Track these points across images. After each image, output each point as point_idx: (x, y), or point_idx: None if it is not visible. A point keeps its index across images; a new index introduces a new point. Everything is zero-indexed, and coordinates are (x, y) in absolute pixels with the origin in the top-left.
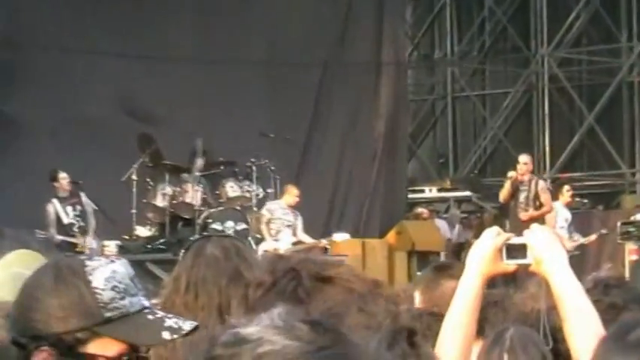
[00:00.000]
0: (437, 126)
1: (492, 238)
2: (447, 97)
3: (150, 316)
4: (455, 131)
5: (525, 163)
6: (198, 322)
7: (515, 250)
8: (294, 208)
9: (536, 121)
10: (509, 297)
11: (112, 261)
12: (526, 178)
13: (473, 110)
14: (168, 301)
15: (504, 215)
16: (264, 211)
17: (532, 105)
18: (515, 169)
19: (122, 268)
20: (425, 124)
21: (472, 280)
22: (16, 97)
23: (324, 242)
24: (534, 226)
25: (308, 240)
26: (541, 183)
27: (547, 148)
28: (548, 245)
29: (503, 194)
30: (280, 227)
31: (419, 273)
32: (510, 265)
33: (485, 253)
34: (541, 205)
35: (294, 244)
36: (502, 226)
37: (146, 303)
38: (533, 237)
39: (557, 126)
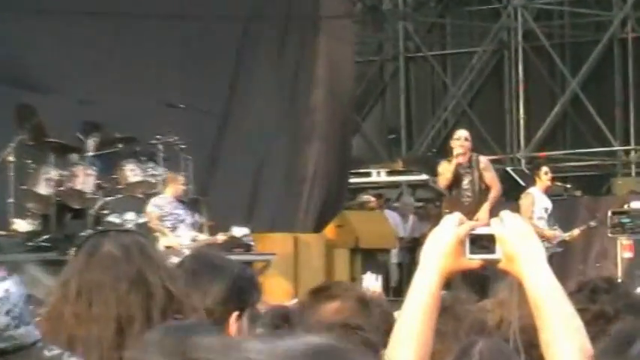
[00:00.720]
0: (386, 94)
1: (453, 227)
2: (398, 59)
3: (46, 352)
4: (408, 100)
5: (467, 139)
6: (93, 337)
7: (481, 243)
8: (190, 201)
9: (508, 88)
10: (461, 302)
11: (4, 278)
12: (466, 158)
13: (431, 74)
14: (54, 311)
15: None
16: (150, 208)
17: (503, 68)
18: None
19: (15, 287)
20: (371, 92)
21: (428, 278)
22: None
23: (221, 238)
24: (505, 213)
25: (202, 237)
26: (482, 159)
27: (521, 121)
28: (522, 238)
29: (443, 181)
30: (175, 223)
31: (364, 276)
32: (474, 260)
33: (443, 246)
34: (487, 189)
35: (194, 240)
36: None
37: (38, 333)
38: (504, 227)
39: (534, 93)
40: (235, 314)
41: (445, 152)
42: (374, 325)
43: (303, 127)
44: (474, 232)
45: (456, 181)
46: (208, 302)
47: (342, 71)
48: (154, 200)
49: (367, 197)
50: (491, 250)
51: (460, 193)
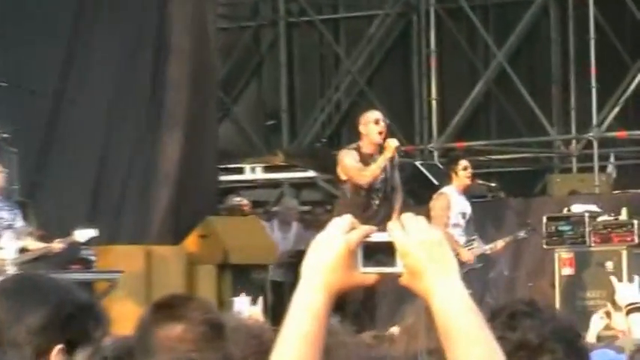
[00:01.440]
0: (263, 69)
1: (342, 233)
2: (277, 24)
3: None
4: (291, 77)
5: (386, 123)
6: None
7: (378, 253)
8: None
9: (416, 62)
10: (333, 332)
11: None
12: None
13: (319, 44)
14: None
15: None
16: None
17: (410, 36)
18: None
19: None
20: (244, 67)
21: (311, 298)
22: None
23: (58, 245)
24: (408, 216)
25: (34, 245)
26: (343, 152)
27: (434, 104)
28: (429, 247)
29: (365, 175)
30: None
31: (236, 298)
32: (369, 275)
33: (330, 257)
34: (393, 192)
35: (23, 251)
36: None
37: None
38: (406, 234)
39: (450, 69)
40: (57, 348)
41: (337, 142)
42: None
43: (154, 110)
44: (368, 239)
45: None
46: (23, 333)
47: (202, 39)
48: None
49: (238, 200)
50: (391, 263)
51: (370, 195)
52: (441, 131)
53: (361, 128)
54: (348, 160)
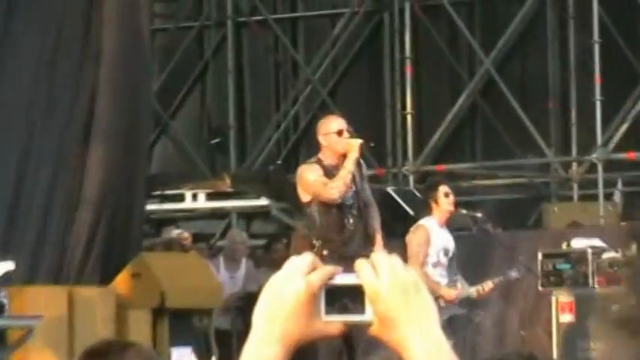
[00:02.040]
0: (207, 77)
1: (302, 273)
2: (225, 24)
3: None
4: (240, 86)
5: (350, 133)
6: None
7: (344, 298)
8: None
9: (389, 69)
10: None
11: None
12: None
13: (274, 48)
14: None
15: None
16: None
17: (381, 39)
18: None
19: None
20: (185, 74)
21: (264, 351)
22: None
23: None
24: (378, 254)
25: None
26: (302, 168)
27: (409, 119)
28: (404, 292)
29: (335, 188)
30: None
31: (174, 349)
32: (334, 323)
33: (287, 304)
34: (366, 208)
35: None
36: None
37: None
38: (377, 276)
39: (429, 78)
40: None
41: (294, 163)
42: None
43: (78, 124)
44: (332, 282)
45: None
46: None
47: (134, 40)
48: None
49: (178, 232)
50: (359, 309)
51: (343, 213)
52: (417, 152)
53: (321, 139)
54: (309, 175)
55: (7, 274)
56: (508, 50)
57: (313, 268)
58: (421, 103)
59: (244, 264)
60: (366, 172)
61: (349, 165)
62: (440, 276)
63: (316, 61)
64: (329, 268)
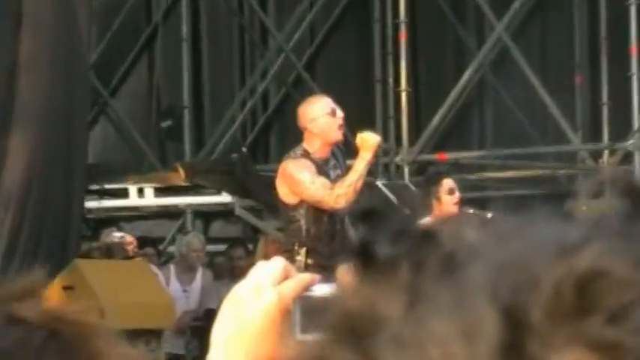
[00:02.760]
0: (156, 46)
1: (272, 283)
2: None
3: None
4: (198, 58)
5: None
6: None
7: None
8: None
9: (379, 37)
10: None
11: None
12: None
13: (237, 11)
14: None
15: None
16: None
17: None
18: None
19: None
20: (129, 42)
21: None
22: None
23: None
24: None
25: None
26: (289, 165)
27: (404, 97)
28: None
29: (351, 193)
30: None
31: None
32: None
33: (255, 319)
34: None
35: None
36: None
37: None
38: None
39: (428, 46)
40: None
41: (264, 150)
42: None
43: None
44: (309, 293)
45: None
46: None
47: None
48: None
49: (119, 236)
50: None
51: (333, 219)
52: (414, 138)
53: (308, 125)
54: (303, 174)
55: None
56: (525, 13)
57: (285, 277)
58: (418, 77)
59: (201, 274)
60: (344, 162)
61: (362, 167)
62: None
63: (290, 26)
64: (305, 277)
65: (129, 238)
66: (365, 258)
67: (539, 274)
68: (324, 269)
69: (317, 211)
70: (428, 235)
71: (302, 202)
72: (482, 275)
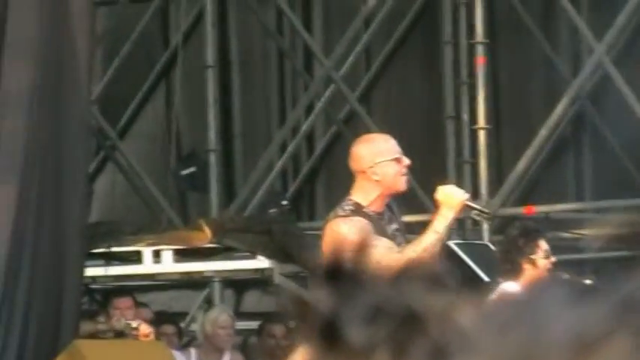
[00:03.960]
0: (174, 74)
1: None
2: None
3: None
4: (227, 88)
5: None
6: None
7: None
8: None
9: (449, 62)
10: None
11: None
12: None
13: (275, 30)
14: None
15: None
16: None
17: (439, 14)
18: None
19: None
20: (142, 70)
21: None
22: None
23: None
24: None
25: None
26: (341, 225)
27: (481, 137)
28: None
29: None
30: None
31: None
32: None
33: None
34: None
35: None
36: None
37: None
38: None
39: (512, 77)
40: None
41: (312, 203)
42: None
43: None
44: None
45: None
46: None
47: (62, 23)
48: None
49: (135, 325)
50: None
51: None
52: (494, 187)
53: (367, 168)
54: (344, 228)
55: None
56: (630, 34)
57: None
58: (500, 112)
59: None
60: (399, 214)
61: (442, 228)
62: None
63: (340, 50)
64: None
65: (145, 329)
66: (330, 339)
67: None
68: None
69: None
70: (413, 317)
71: None
72: None
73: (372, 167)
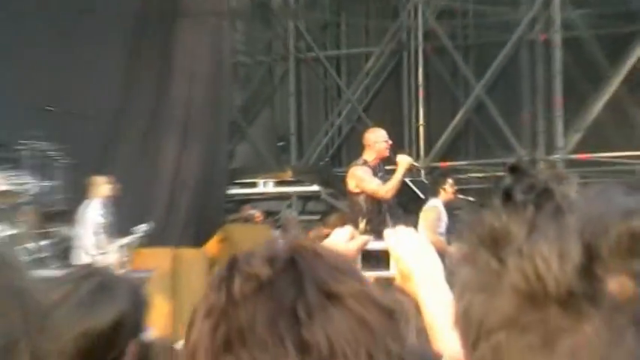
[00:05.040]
0: (275, 97)
1: (344, 241)
2: (288, 59)
3: None
4: (299, 104)
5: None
6: None
7: (374, 259)
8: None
9: (407, 92)
10: None
11: None
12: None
13: (324, 77)
14: None
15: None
16: (93, 218)
17: (402, 70)
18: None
19: None
20: (259, 95)
21: None
22: None
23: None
24: (400, 227)
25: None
26: (357, 170)
27: (421, 129)
28: (418, 254)
29: (392, 190)
30: (99, 230)
31: None
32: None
33: None
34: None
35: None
36: (366, 232)
37: None
38: (398, 242)
39: (436, 99)
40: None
41: (338, 161)
42: None
43: (177, 129)
44: (367, 247)
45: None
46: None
47: (221, 70)
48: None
49: (253, 212)
50: (385, 267)
51: (380, 202)
52: (427, 153)
53: (372, 144)
54: (364, 175)
55: (146, 232)
56: (495, 78)
57: (352, 237)
58: (430, 117)
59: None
60: (384, 169)
61: (400, 175)
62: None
63: (354, 86)
64: (364, 237)
65: (258, 213)
66: (507, 197)
67: (609, 226)
68: (376, 233)
69: (372, 198)
70: (547, 190)
71: (363, 192)
72: (575, 221)
73: (373, 143)
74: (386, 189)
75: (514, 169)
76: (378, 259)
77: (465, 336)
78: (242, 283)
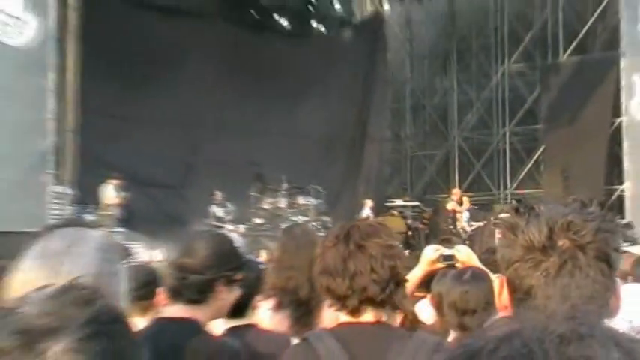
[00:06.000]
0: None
1: (433, 251)
2: None
3: None
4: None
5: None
6: None
7: (448, 259)
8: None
9: None
10: None
11: None
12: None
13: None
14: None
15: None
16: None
17: None
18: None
19: None
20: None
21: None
22: None
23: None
24: (460, 246)
25: None
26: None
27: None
28: (469, 254)
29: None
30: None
31: None
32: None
33: (426, 260)
34: None
35: None
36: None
37: None
38: (458, 251)
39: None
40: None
41: None
42: None
43: (353, 130)
44: (444, 253)
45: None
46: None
47: (382, 87)
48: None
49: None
50: (454, 261)
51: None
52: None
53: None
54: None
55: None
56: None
57: (437, 249)
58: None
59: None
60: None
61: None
62: None
63: None
64: (442, 249)
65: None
66: (516, 211)
67: (557, 219)
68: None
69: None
70: (532, 208)
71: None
72: (544, 218)
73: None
74: None
75: (519, 200)
76: (449, 258)
77: (503, 265)
78: (327, 240)
